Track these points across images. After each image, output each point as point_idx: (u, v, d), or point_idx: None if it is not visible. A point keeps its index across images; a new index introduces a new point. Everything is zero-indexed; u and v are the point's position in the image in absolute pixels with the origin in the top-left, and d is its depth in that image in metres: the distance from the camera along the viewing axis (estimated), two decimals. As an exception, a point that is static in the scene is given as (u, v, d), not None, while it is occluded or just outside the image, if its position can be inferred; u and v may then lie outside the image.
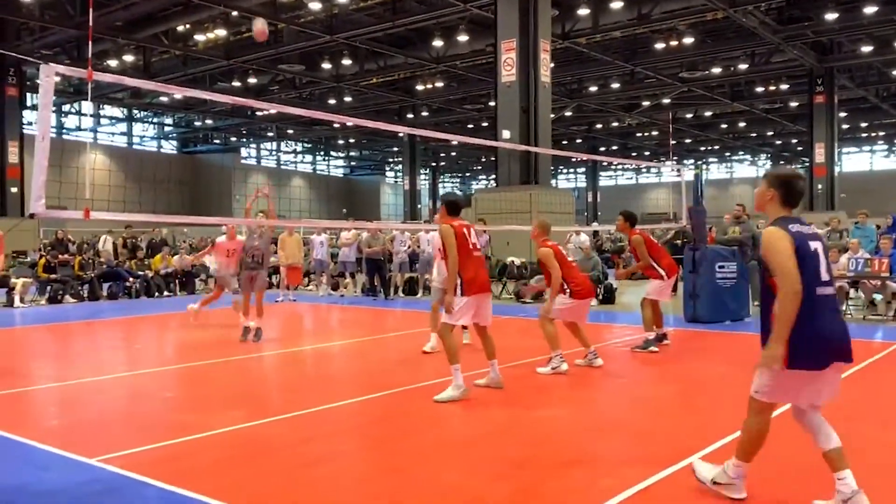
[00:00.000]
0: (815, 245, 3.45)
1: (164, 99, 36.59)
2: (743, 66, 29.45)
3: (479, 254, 6.43)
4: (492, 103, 25.74)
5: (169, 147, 52.21)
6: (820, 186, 29.87)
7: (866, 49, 26.22)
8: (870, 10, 21.71)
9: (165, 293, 17.06)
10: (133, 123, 48.10)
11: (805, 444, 3.88)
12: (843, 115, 35.00)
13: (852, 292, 12.06)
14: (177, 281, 17.49)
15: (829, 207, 28.77)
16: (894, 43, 25.66)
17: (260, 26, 7.41)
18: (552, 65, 18.30)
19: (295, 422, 5.52)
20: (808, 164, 31.89)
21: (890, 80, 32.51)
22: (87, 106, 42.37)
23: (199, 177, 50.44)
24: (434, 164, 61.53)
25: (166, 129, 49.96)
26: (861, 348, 8.52)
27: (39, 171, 4.49)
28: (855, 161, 56.76)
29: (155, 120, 48.40)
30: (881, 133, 49.08)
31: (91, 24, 5.51)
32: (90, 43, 5.43)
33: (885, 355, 8.31)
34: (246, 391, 6.94)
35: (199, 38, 26.18)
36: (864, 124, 44.18)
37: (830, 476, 3.63)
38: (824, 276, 3.43)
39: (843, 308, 11.51)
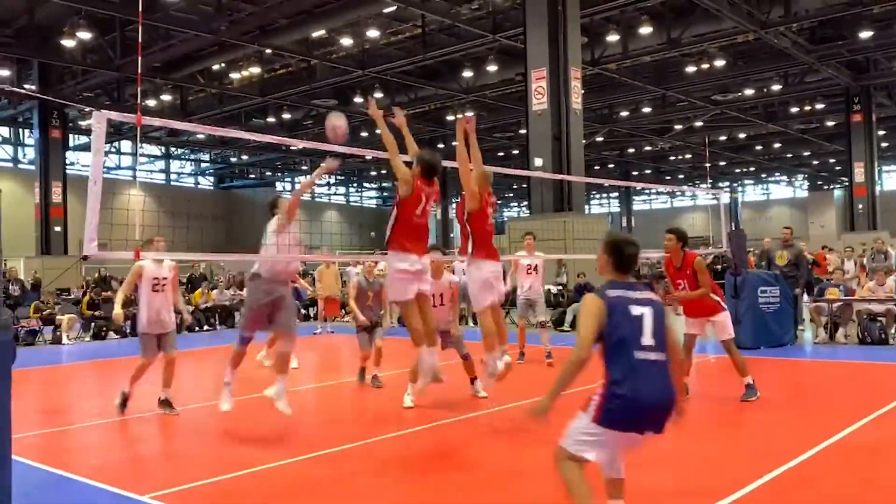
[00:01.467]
0: (639, 310, 3.48)
1: (200, 136, 37.40)
2: (776, 87, 29.15)
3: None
4: (522, 131, 25.84)
5: (206, 183, 53.18)
6: (861, 206, 29.27)
7: (903, 66, 25.85)
8: (905, 27, 21.45)
9: (206, 327, 17.28)
10: (170, 161, 49.17)
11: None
12: (881, 133, 34.40)
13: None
14: (216, 315, 17.71)
15: (872, 227, 28.17)
16: (932, 59, 25.27)
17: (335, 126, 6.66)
18: (583, 91, 18.34)
19: (338, 457, 5.53)
20: (847, 183, 31.33)
21: (929, 97, 31.95)
22: (126, 145, 43.53)
23: (234, 212, 51.17)
24: (466, 192, 61.80)
25: (203, 165, 50.97)
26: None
27: (92, 215, 4.62)
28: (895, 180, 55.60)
29: (192, 157, 49.44)
30: (922, 150, 48.09)
31: (139, 70, 5.66)
32: (139, 89, 5.59)
33: (939, 380, 8.06)
34: (289, 426, 6.96)
35: (234, 76, 26.79)
36: (903, 142, 43.36)
37: None
38: (647, 341, 3.43)
39: (892, 331, 11.22)
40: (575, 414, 3.52)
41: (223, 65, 26.21)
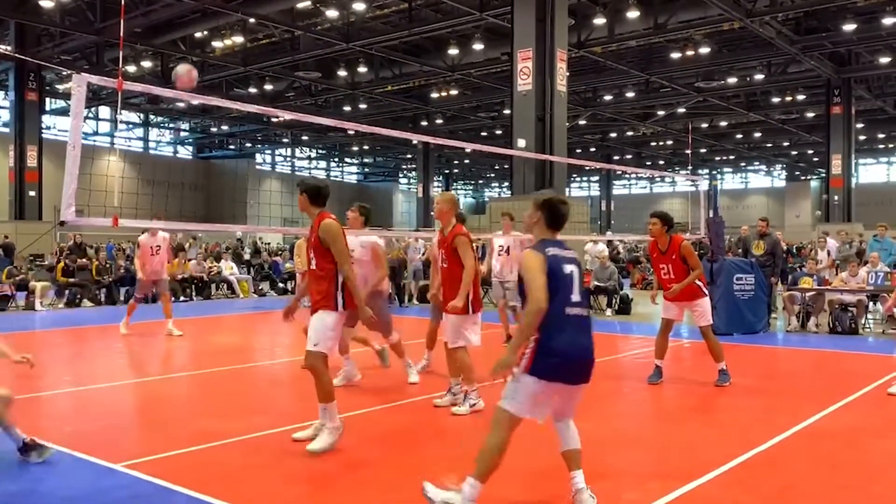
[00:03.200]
0: (569, 268, 3.71)
1: (180, 104, 36.87)
2: (759, 77, 29.35)
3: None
4: (506, 111, 25.78)
5: (184, 152, 52.56)
6: (836, 198, 29.67)
7: (884, 60, 26.07)
8: (889, 20, 21.60)
9: (182, 298, 17.15)
10: (149, 128, 48.50)
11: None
12: (860, 126, 34.78)
13: (871, 306, 11.96)
14: (193, 286, 17.59)
15: (846, 219, 28.58)
16: (913, 54, 25.53)
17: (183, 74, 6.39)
18: (568, 74, 18.31)
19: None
20: (824, 175, 31.70)
21: (908, 92, 32.32)
22: (104, 111, 42.79)
23: (213, 182, 50.69)
24: (448, 171, 61.64)
25: (182, 134, 50.34)
26: (881, 363, 8.49)
27: (70, 180, 4.55)
28: (872, 172, 56.35)
29: (171, 125, 48.79)
30: (899, 144, 48.76)
31: (122, 35, 5.55)
32: (121, 53, 5.48)
33: (906, 370, 8.23)
34: (266, 398, 6.97)
35: (217, 44, 26.40)
36: (881, 135, 43.87)
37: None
38: (575, 297, 3.69)
39: (863, 321, 11.43)
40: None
41: (205, 33, 25.82)
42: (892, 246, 13.11)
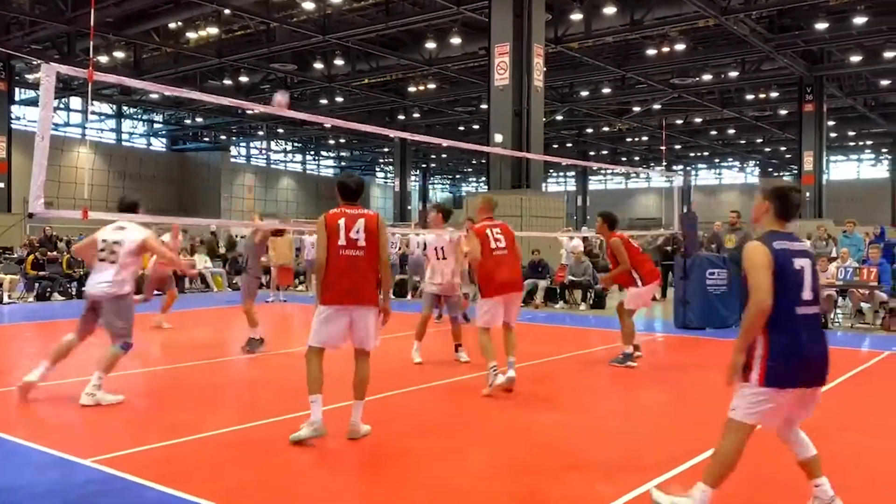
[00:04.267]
0: (801, 262, 3.40)
1: (154, 96, 36.42)
2: (733, 74, 29.63)
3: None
4: (483, 106, 25.77)
5: (158, 144, 51.93)
6: (808, 194, 30.09)
7: (855, 59, 26.44)
8: (859, 20, 21.93)
9: (155, 292, 16.94)
10: (122, 120, 47.83)
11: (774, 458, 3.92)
12: (831, 123, 35.28)
13: (840, 300, 12.15)
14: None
15: (818, 215, 29.00)
16: (883, 53, 25.90)
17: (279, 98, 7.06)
18: (545, 69, 18.36)
19: (290, 424, 5.51)
20: (796, 171, 32.12)
21: (878, 90, 32.81)
22: (76, 101, 42.10)
23: (187, 175, 50.17)
24: (424, 165, 61.51)
25: (156, 126, 49.71)
26: (849, 357, 8.64)
27: (39, 171, 4.48)
28: (843, 169, 57.22)
29: (144, 117, 48.14)
30: (868, 142, 49.49)
31: (92, 24, 5.46)
32: (91, 43, 5.40)
33: (873, 364, 8.40)
34: (239, 393, 6.93)
35: (191, 35, 26.09)
36: (851, 133, 44.53)
37: (805, 488, 3.69)
38: (807, 296, 3.38)
39: (832, 316, 11.62)
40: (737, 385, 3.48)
41: (179, 23, 25.50)
42: (860, 242, 13.34)
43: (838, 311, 12.16)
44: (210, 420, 5.49)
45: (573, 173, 62.29)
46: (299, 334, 11.37)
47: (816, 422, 5.70)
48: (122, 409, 6.11)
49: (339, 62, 28.84)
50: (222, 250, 23.33)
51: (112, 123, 47.71)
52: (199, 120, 45.32)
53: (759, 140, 46.96)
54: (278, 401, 6.52)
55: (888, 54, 25.84)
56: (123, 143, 48.38)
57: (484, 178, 22.31)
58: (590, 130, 44.67)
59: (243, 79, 32.07)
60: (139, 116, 48.05)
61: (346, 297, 4.90)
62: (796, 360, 3.34)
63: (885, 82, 31.24)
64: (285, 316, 13.85)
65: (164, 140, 52.12)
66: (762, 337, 3.38)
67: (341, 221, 4.91)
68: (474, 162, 57.55)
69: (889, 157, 49.04)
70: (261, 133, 50.21)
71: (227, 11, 23.28)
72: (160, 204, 45.98)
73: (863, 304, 11.65)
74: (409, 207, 48.07)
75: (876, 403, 6.57)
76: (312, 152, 60.14)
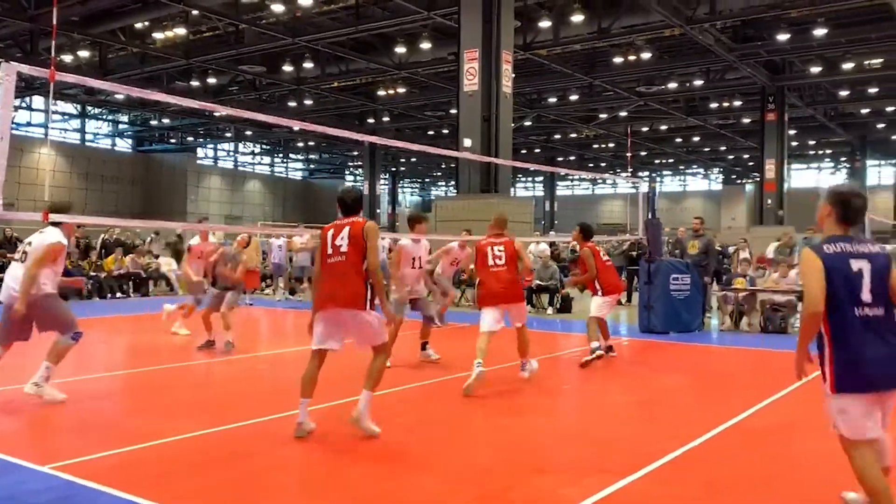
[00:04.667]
0: (858, 265, 3.36)
1: (119, 96, 35.85)
2: (698, 82, 30.12)
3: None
4: (453, 111, 25.82)
5: (123, 145, 51.14)
6: (770, 201, 30.69)
7: (815, 70, 27.09)
8: (819, 32, 22.44)
9: (119, 294, 16.72)
10: (86, 120, 47.00)
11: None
12: (792, 132, 36.02)
13: (800, 306, 12.39)
14: (130, 282, 17.15)
15: (779, 222, 29.57)
16: (841, 65, 26.56)
17: None
18: (513, 75, 18.48)
19: (253, 429, 5.48)
20: (758, 179, 32.71)
21: (837, 100, 33.62)
22: (38, 101, 41.28)
23: (152, 176, 49.41)
24: (394, 169, 61.43)
25: (121, 126, 48.94)
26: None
27: (-1, 172, 4.39)
28: (803, 177, 58.42)
29: (109, 117, 47.36)
30: (828, 151, 50.63)
31: (55, 22, 5.39)
32: (54, 42, 5.31)
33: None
34: (201, 398, 6.86)
35: (158, 35, 25.71)
36: (811, 142, 45.52)
37: None
38: (866, 297, 3.34)
39: (792, 321, 11.85)
40: None
41: (146, 23, 25.12)
42: (820, 248, 13.58)
43: (798, 316, 12.40)
44: (172, 425, 5.42)
45: (541, 178, 62.73)
46: (266, 338, 11.36)
47: (776, 424, 5.85)
48: (80, 414, 6.01)
49: (308, 65, 28.70)
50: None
51: (76, 123, 46.89)
52: (165, 121, 44.70)
53: (723, 148, 47.77)
54: (241, 405, 6.47)
55: (846, 66, 26.52)
56: (87, 144, 47.56)
57: (453, 183, 22.29)
58: (558, 136, 45.04)
59: (211, 80, 31.73)
60: (104, 117, 47.27)
61: (328, 301, 5.12)
62: (858, 363, 3.31)
63: (843, 93, 32.04)
64: (251, 320, 13.72)
65: (129, 141, 51.35)
66: (827, 344, 3.40)
67: (330, 232, 5.21)
68: (444, 166, 57.66)
69: (847, 165, 50.19)
70: (228, 135, 49.73)
71: (195, 12, 23.03)
72: (124, 206, 45.33)
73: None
74: (378, 211, 47.97)
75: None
76: (281, 155, 59.68)
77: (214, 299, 9.40)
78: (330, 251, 5.16)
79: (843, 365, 3.34)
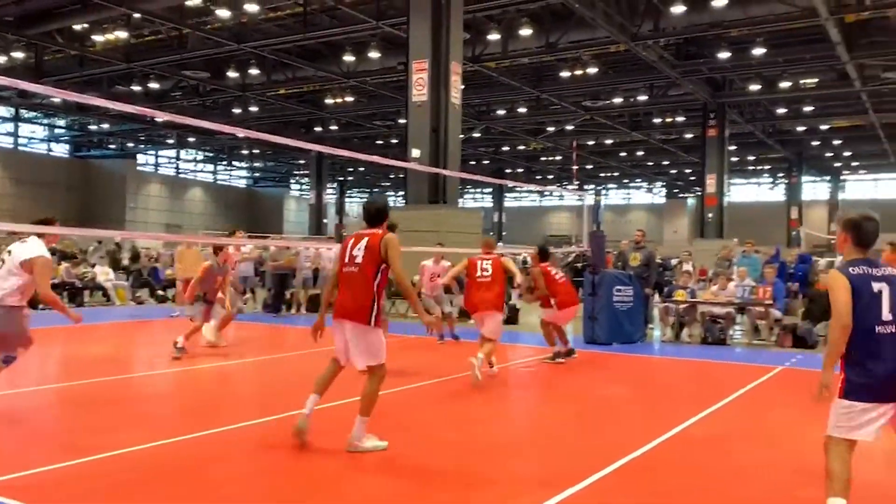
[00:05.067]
0: (878, 286, 3.64)
1: (56, 100, 34.77)
2: (642, 98, 30.79)
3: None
4: (402, 121, 25.82)
5: (60, 150, 49.61)
6: (710, 215, 31.48)
7: (755, 87, 27.99)
8: (758, 51, 23.16)
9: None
10: (20, 124, 45.44)
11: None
12: (732, 148, 37.06)
13: (738, 318, 12.68)
14: (65, 292, 16.56)
15: (719, 235, 30.32)
16: (779, 83, 27.50)
17: None
18: (462, 87, 18.56)
19: (195, 443, 5.31)
20: (700, 193, 33.53)
21: (775, 118, 34.78)
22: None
23: (90, 183, 47.96)
24: (342, 178, 61.01)
25: (57, 131, 47.46)
26: (747, 372, 9.03)
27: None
28: (743, 192, 60.16)
29: (45, 121, 45.85)
30: (766, 166, 52.26)
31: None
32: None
33: (768, 379, 8.79)
34: (141, 411, 6.62)
35: (98, 38, 25.03)
36: (751, 157, 46.88)
37: None
38: (886, 316, 3.61)
39: (731, 332, 12.12)
40: None
41: (86, 25, 24.44)
42: (757, 262, 13.96)
43: (737, 327, 12.70)
44: (112, 440, 5.21)
45: (490, 190, 63.13)
46: (208, 349, 11.05)
47: (715, 434, 5.95)
48: (15, 429, 5.74)
49: (254, 71, 28.33)
50: (125, 261, 22.44)
51: (9, 127, 45.29)
52: (104, 126, 43.53)
53: (666, 162, 48.87)
54: (183, 419, 6.28)
55: (783, 84, 27.47)
56: (21, 149, 45.98)
57: (402, 193, 22.31)
58: (506, 148, 45.43)
59: (153, 85, 31.04)
60: (39, 120, 45.74)
61: (338, 311, 5.14)
62: (871, 375, 3.56)
63: (781, 110, 33.17)
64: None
65: (66, 146, 49.84)
66: (844, 355, 3.62)
67: (350, 241, 5.21)
68: (392, 176, 57.54)
69: (785, 181, 51.88)
70: (170, 141, 48.69)
71: (136, 15, 22.50)
72: (59, 213, 43.85)
73: (759, 322, 12.20)
74: (324, 221, 47.54)
75: (772, 415, 6.87)
76: (225, 162, 58.69)
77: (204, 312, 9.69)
78: (346, 260, 5.14)
79: (856, 376, 3.59)
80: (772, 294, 11.79)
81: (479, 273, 8.46)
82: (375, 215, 5.24)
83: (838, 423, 3.64)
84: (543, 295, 9.43)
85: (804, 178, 50.32)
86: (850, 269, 3.67)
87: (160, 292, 18.80)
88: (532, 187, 63.31)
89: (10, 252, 5.91)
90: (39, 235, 5.97)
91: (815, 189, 57.23)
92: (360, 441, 5.03)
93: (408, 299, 5.34)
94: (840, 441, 3.64)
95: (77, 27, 24.64)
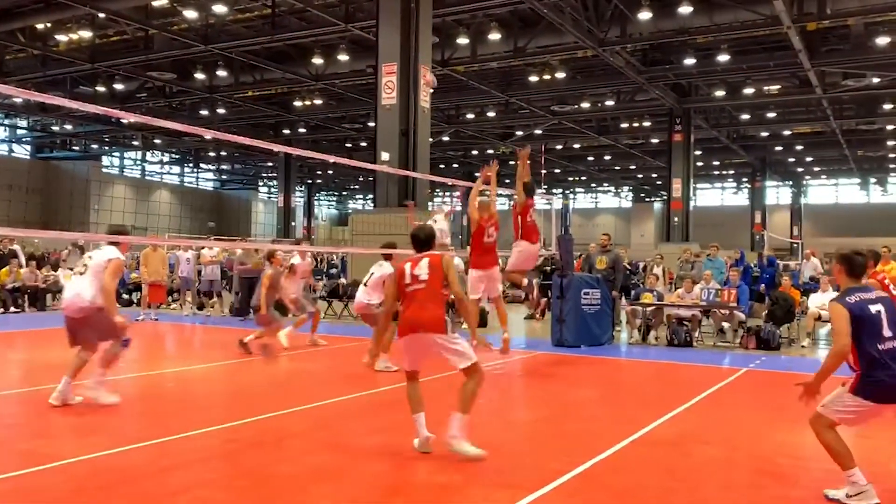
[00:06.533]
0: (875, 308, 4.23)
1: (17, 100, 34.07)
2: (609, 103, 31.12)
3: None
4: (371, 124, 25.75)
5: (22, 151, 48.60)
6: (676, 219, 31.89)
7: (719, 93, 28.45)
8: (723, 58, 23.55)
9: (13, 308, 15.80)
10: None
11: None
12: (698, 153, 37.63)
13: (704, 320, 12.86)
14: (25, 296, 16.25)
15: (685, 239, 30.73)
16: (743, 89, 27.99)
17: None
18: (431, 90, 18.59)
19: (157, 449, 5.24)
20: (666, 197, 33.97)
21: (739, 123, 35.38)
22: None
23: (53, 185, 47.11)
24: (310, 181, 60.63)
25: (19, 132, 46.49)
26: (711, 374, 9.16)
27: None
28: (708, 196, 61.06)
29: (6, 122, 44.90)
30: (731, 171, 53.13)
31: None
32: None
33: (733, 380, 8.92)
34: (102, 417, 6.51)
35: (62, 38, 24.61)
36: (716, 162, 47.64)
37: None
38: (887, 332, 4.19)
39: (696, 335, 12.29)
40: None
41: (49, 25, 24.01)
42: (722, 265, 14.18)
43: (702, 329, 12.87)
44: (71, 446, 5.13)
45: (458, 193, 63.18)
46: (173, 354, 10.94)
47: (680, 435, 6.02)
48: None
49: (221, 73, 28.04)
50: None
51: (-32, 127, 44.30)
52: (67, 127, 42.74)
53: (633, 167, 49.42)
54: (146, 425, 6.19)
55: (747, 90, 27.97)
56: (-19, 150, 44.99)
57: (371, 196, 22.24)
58: (475, 152, 45.55)
59: (118, 86, 30.58)
60: (0, 121, 44.79)
61: (411, 326, 5.34)
62: (880, 384, 4.12)
63: (745, 116, 33.76)
64: (157, 335, 13.19)
65: (27, 147, 48.86)
66: (857, 366, 4.20)
67: (407, 266, 5.51)
68: (361, 179, 57.36)
69: (749, 185, 52.80)
70: (136, 143, 47.96)
71: (101, 15, 22.15)
72: (19, 215, 43.02)
73: (724, 324, 12.38)
74: (293, 224, 47.21)
75: (735, 416, 6.97)
76: (191, 164, 57.97)
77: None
78: (408, 280, 5.41)
79: (867, 380, 4.16)
80: (736, 296, 11.98)
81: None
82: (425, 241, 5.74)
83: (845, 414, 4.21)
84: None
85: (767, 183, 51.24)
86: (847, 298, 4.26)
87: (125, 296, 18.50)
88: (501, 191, 63.34)
89: (90, 257, 6.69)
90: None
91: (778, 193, 58.32)
92: (459, 440, 5.13)
93: (462, 313, 6.34)
94: (829, 420, 4.22)
95: (40, 26, 24.21)
